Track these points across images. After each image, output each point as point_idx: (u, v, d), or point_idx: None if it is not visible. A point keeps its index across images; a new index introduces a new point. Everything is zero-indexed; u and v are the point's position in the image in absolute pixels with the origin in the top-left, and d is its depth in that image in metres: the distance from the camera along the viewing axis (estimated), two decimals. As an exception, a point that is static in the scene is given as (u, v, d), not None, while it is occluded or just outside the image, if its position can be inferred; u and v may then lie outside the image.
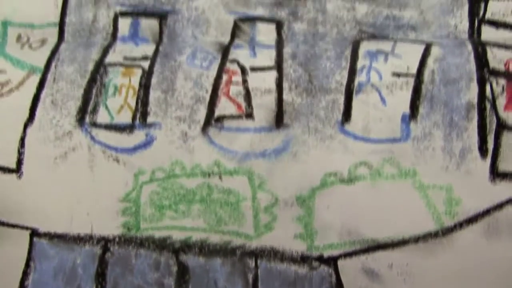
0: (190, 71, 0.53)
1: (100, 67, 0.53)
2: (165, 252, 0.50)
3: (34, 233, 0.50)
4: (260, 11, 0.55)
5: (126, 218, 0.50)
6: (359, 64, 0.52)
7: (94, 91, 0.52)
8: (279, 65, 0.53)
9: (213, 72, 0.53)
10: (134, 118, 0.51)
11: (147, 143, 0.51)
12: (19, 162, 0.51)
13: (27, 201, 0.50)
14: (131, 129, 0.51)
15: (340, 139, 0.50)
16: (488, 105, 0.50)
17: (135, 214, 0.50)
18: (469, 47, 0.52)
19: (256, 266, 0.49)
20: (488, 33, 0.53)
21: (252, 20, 0.55)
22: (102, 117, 0.52)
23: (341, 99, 0.51)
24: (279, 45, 0.54)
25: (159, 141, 0.51)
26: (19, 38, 0.56)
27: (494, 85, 0.50)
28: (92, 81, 0.53)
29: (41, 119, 0.52)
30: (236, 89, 0.52)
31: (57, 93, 0.52)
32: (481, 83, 0.51)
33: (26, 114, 0.52)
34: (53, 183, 0.50)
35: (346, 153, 0.50)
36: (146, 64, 0.53)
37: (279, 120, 0.51)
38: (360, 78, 0.52)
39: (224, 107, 0.51)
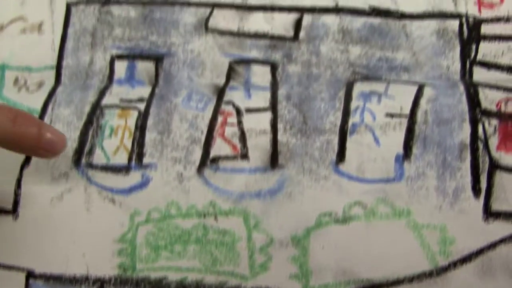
0: (185, 113, 0.54)
1: (96, 109, 0.54)
2: (161, 293, 0.50)
3: (30, 274, 0.50)
4: (254, 54, 0.56)
5: (122, 259, 0.50)
6: (353, 105, 0.53)
7: (90, 132, 0.53)
8: (273, 107, 0.54)
9: (208, 114, 0.53)
10: (130, 159, 0.52)
11: (143, 184, 0.51)
12: (16, 203, 0.51)
13: (23, 242, 0.50)
14: (127, 170, 0.52)
15: (335, 180, 0.51)
16: (480, 145, 0.51)
17: (131, 254, 0.50)
18: (461, 88, 0.53)
19: (252, 306, 0.50)
20: (479, 74, 0.54)
21: (247, 62, 0.56)
22: (98, 158, 0.52)
23: (335, 139, 0.52)
24: (274, 86, 0.55)
25: (155, 182, 0.51)
26: (16, 81, 0.56)
27: (486, 125, 0.51)
28: (88, 123, 0.54)
29: (38, 161, 0.52)
30: (231, 130, 0.53)
31: (53, 135, 0.53)
32: (474, 123, 0.52)
33: (22, 156, 0.52)
34: (49, 224, 0.51)
35: (341, 193, 0.50)
36: (142, 106, 0.54)
37: (274, 161, 0.52)
38: (354, 119, 0.53)
39: (219, 148, 0.52)
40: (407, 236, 0.49)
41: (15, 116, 0.45)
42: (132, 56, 0.57)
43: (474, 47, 0.55)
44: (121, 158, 0.52)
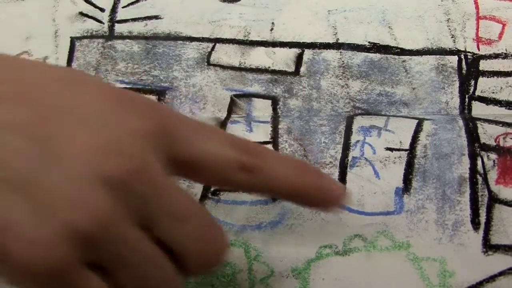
0: (187, 146, 0.56)
1: (99, 141, 0.56)
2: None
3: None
4: (256, 88, 0.58)
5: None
6: (353, 139, 0.55)
7: None
8: (274, 140, 0.56)
9: (210, 147, 0.56)
10: None
11: None
12: None
13: None
14: None
15: (335, 212, 0.53)
16: (479, 179, 0.53)
17: None
18: (460, 122, 0.55)
19: (252, 338, 0.50)
20: (478, 109, 0.56)
21: (248, 96, 0.58)
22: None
23: (336, 173, 0.54)
24: (275, 120, 0.57)
25: None
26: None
27: (485, 159, 0.53)
28: None
29: None
30: (232, 163, 0.55)
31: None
32: (473, 157, 0.54)
33: None
34: None
35: (341, 226, 0.52)
36: (144, 139, 0.56)
37: (274, 194, 0.54)
38: (354, 152, 0.55)
39: (220, 180, 0.54)
40: (407, 269, 0.50)
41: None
42: (135, 90, 0.59)
43: (472, 82, 0.57)
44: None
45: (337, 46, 0.59)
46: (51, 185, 0.31)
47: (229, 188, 0.49)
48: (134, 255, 0.34)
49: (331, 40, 0.60)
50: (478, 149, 0.54)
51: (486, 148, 0.54)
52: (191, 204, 0.37)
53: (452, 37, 0.59)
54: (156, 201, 0.34)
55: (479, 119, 0.56)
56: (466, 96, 0.57)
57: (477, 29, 0.59)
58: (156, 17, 0.62)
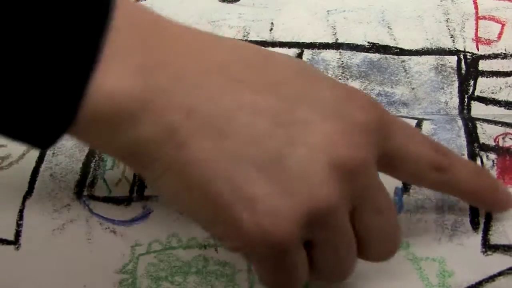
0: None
1: (98, 141, 0.56)
2: (161, 324, 0.51)
3: (31, 305, 0.51)
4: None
5: (123, 289, 0.51)
6: (353, 139, 0.55)
7: (92, 165, 0.55)
8: None
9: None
10: (131, 191, 0.54)
11: (144, 216, 0.53)
12: (17, 233, 0.53)
13: (24, 273, 0.51)
14: (129, 201, 0.53)
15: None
16: None
17: (132, 285, 0.51)
18: (460, 122, 0.55)
19: (252, 338, 0.50)
20: (477, 109, 0.56)
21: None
22: (100, 190, 0.54)
23: None
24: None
25: (156, 213, 0.53)
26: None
27: (484, 159, 0.53)
28: (90, 155, 0.56)
29: (40, 192, 0.54)
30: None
31: (56, 167, 0.55)
32: (472, 157, 0.53)
33: (25, 187, 0.54)
34: (51, 254, 0.52)
35: (341, 226, 0.52)
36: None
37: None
38: (354, 152, 0.55)
39: (220, 180, 0.54)
40: (406, 269, 0.50)
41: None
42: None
43: (472, 82, 0.57)
44: (123, 190, 0.54)
45: (336, 46, 0.60)
46: (292, 167, 0.34)
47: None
48: (342, 239, 0.38)
49: (330, 40, 0.60)
50: (478, 149, 0.54)
51: (486, 148, 0.54)
52: (388, 198, 0.41)
53: (451, 37, 0.59)
54: (368, 191, 0.38)
55: (479, 119, 0.56)
56: (465, 96, 0.57)
57: (476, 29, 0.59)
58: (156, 17, 0.62)
